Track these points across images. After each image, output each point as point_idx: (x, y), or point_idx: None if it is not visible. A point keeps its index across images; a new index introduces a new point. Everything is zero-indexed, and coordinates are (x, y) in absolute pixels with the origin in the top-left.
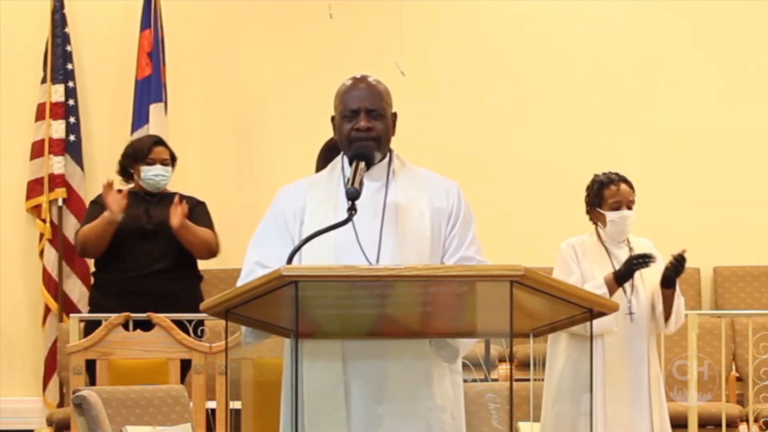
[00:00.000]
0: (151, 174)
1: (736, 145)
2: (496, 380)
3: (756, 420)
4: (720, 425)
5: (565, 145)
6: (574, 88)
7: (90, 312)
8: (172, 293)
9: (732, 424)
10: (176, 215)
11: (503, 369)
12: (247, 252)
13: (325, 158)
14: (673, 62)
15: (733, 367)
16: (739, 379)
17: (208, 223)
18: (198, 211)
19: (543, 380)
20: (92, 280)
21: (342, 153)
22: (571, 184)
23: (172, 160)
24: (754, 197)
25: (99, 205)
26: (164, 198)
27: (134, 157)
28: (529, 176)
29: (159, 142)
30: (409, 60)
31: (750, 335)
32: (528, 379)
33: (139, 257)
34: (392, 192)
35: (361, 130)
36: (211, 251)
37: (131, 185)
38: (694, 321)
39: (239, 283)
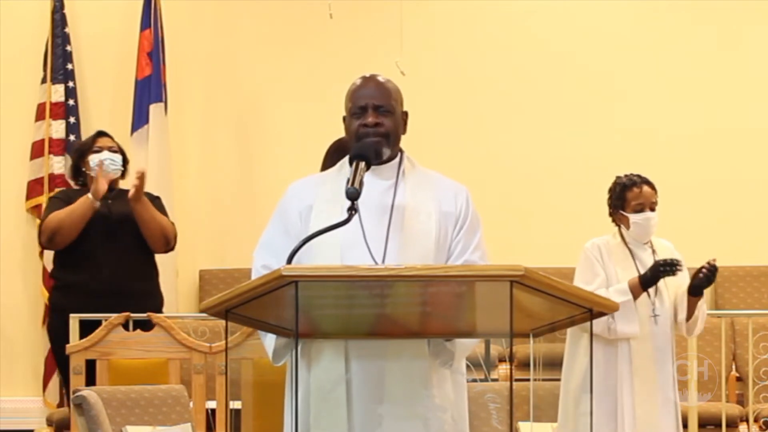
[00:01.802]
0: (98, 160)
1: (736, 146)
2: (496, 380)
3: (756, 420)
4: (720, 425)
5: (565, 146)
6: (575, 87)
7: (53, 315)
8: (136, 293)
9: (732, 424)
10: (133, 185)
11: (503, 369)
12: (255, 253)
13: (331, 159)
14: (674, 63)
15: (733, 367)
16: (739, 379)
17: (165, 216)
18: (155, 205)
19: (543, 380)
20: (52, 281)
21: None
22: (573, 184)
23: (122, 153)
24: (754, 197)
25: (61, 199)
26: (121, 193)
27: (81, 152)
28: (530, 176)
29: (103, 133)
30: (409, 60)
31: (750, 335)
32: (528, 379)
33: (102, 256)
34: (401, 193)
35: (369, 126)
36: (167, 238)
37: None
38: None
39: None
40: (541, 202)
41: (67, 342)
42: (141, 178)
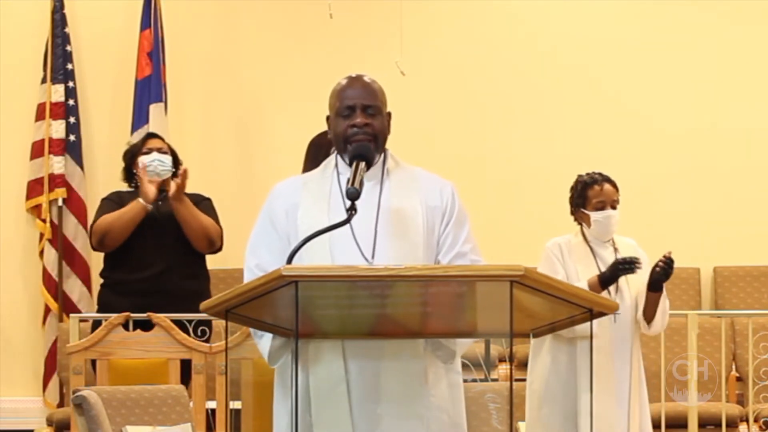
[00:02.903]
0: (148, 161)
1: (736, 145)
2: (496, 380)
3: (756, 420)
4: (720, 425)
5: (564, 145)
6: (574, 88)
7: (100, 311)
8: (184, 292)
9: (732, 424)
10: (175, 183)
11: (503, 369)
12: (246, 255)
13: (311, 155)
14: (673, 62)
15: (733, 367)
16: (739, 379)
17: (212, 217)
18: (203, 206)
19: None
20: (102, 279)
21: (335, 151)
22: (571, 184)
23: (173, 153)
24: (754, 197)
25: (113, 201)
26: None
27: (132, 153)
28: (528, 176)
29: (153, 135)
30: (409, 60)
31: (750, 335)
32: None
33: (150, 255)
34: (386, 190)
35: (358, 127)
36: (210, 239)
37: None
38: (694, 321)
39: None
40: (542, 201)
41: None
42: (183, 177)
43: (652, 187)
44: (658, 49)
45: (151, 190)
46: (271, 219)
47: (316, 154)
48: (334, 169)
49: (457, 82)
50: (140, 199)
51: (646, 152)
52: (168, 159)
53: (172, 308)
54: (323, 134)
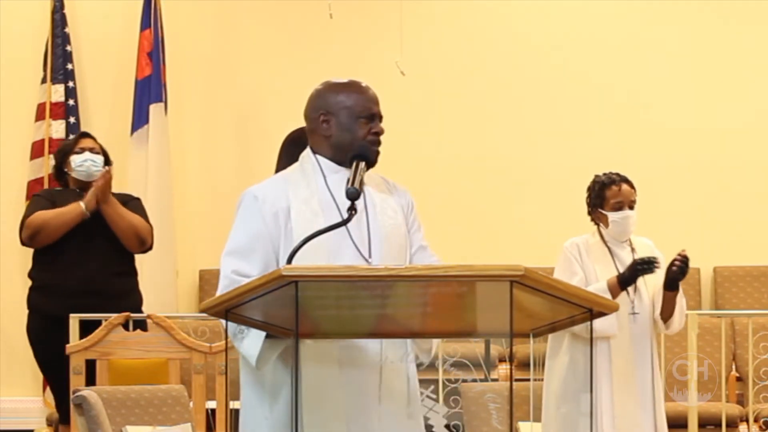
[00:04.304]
0: (80, 160)
1: (736, 145)
2: (496, 380)
3: (756, 420)
4: (720, 425)
5: (564, 145)
6: (574, 87)
7: (31, 314)
8: (115, 291)
9: (732, 424)
10: (95, 185)
11: (503, 369)
12: (223, 262)
13: (288, 151)
14: (673, 61)
15: (733, 367)
16: (739, 379)
17: (141, 216)
18: (131, 205)
19: (543, 380)
20: (30, 281)
21: (309, 148)
22: (572, 184)
23: (104, 154)
24: (754, 197)
25: (45, 198)
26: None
27: (63, 152)
28: (528, 176)
29: (85, 134)
30: (409, 60)
31: (750, 335)
32: (528, 379)
33: (77, 256)
34: (368, 193)
35: (379, 134)
36: (141, 238)
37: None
38: (694, 321)
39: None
40: (542, 201)
41: (47, 344)
42: (104, 178)
43: (652, 187)
44: (658, 48)
45: (93, 202)
46: (255, 225)
47: (295, 152)
48: (318, 171)
49: (457, 82)
50: (81, 203)
51: (645, 152)
52: (100, 159)
53: (103, 308)
54: (298, 131)
